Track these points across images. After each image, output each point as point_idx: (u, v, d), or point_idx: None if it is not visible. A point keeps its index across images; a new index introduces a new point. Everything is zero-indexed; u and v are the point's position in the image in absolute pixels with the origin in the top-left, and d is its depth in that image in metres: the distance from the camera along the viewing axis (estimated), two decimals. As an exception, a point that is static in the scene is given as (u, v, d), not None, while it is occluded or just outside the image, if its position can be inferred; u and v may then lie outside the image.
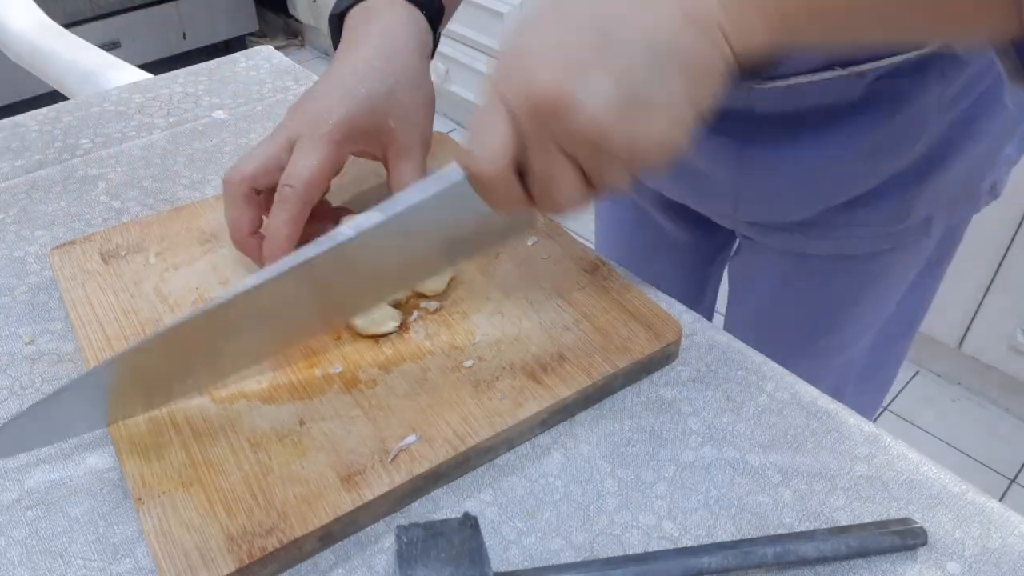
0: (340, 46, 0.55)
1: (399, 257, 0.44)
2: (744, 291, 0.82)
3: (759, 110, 0.60)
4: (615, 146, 0.37)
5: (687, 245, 0.85)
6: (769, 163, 0.63)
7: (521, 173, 0.39)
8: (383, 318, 0.50)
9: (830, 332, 0.75)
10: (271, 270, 0.41)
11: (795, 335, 0.76)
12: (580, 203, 0.41)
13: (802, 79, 0.55)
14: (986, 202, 0.68)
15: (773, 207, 0.67)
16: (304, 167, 0.49)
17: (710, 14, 0.37)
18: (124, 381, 0.43)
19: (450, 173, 0.40)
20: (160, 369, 0.44)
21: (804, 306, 0.76)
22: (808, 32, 0.39)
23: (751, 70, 0.39)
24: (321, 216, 0.52)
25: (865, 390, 0.81)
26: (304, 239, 0.46)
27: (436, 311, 0.52)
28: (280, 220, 0.49)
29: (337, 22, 0.57)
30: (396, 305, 0.52)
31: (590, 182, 0.39)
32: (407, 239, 0.43)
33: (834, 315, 0.74)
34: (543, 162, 0.38)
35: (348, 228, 0.41)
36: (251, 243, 0.52)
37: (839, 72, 0.55)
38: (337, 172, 0.52)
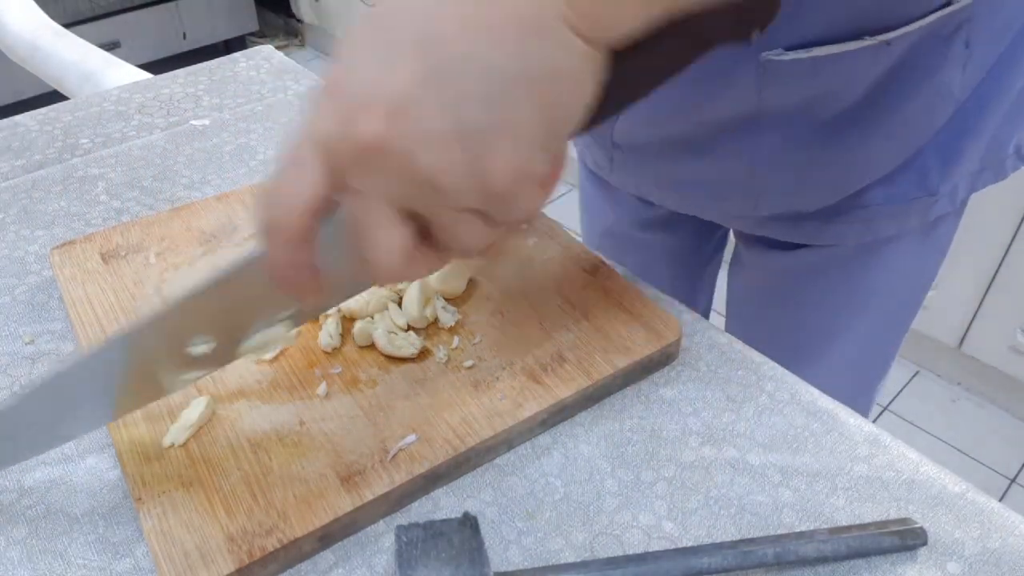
0: None
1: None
2: (744, 302, 0.81)
3: (768, 101, 0.57)
4: (453, 190, 0.31)
5: (678, 253, 0.85)
6: (788, 156, 0.61)
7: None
8: (404, 343, 0.49)
9: (835, 325, 0.75)
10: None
11: (799, 337, 0.76)
12: (417, 264, 0.34)
13: (826, 50, 0.53)
14: (1013, 167, 0.66)
15: (795, 197, 0.65)
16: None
17: (552, 13, 0.31)
18: (128, 365, 0.40)
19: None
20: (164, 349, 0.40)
21: (809, 306, 0.75)
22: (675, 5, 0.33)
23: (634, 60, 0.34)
24: None
25: (859, 383, 0.80)
26: None
27: (453, 327, 0.51)
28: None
29: None
30: (413, 327, 0.51)
31: (430, 239, 0.33)
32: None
33: (843, 310, 0.74)
34: (363, 212, 0.32)
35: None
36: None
37: (867, 41, 0.52)
38: None
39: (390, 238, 0.32)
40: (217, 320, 0.38)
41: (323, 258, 0.34)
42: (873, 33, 0.53)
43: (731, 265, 0.82)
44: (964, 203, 0.69)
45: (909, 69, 0.56)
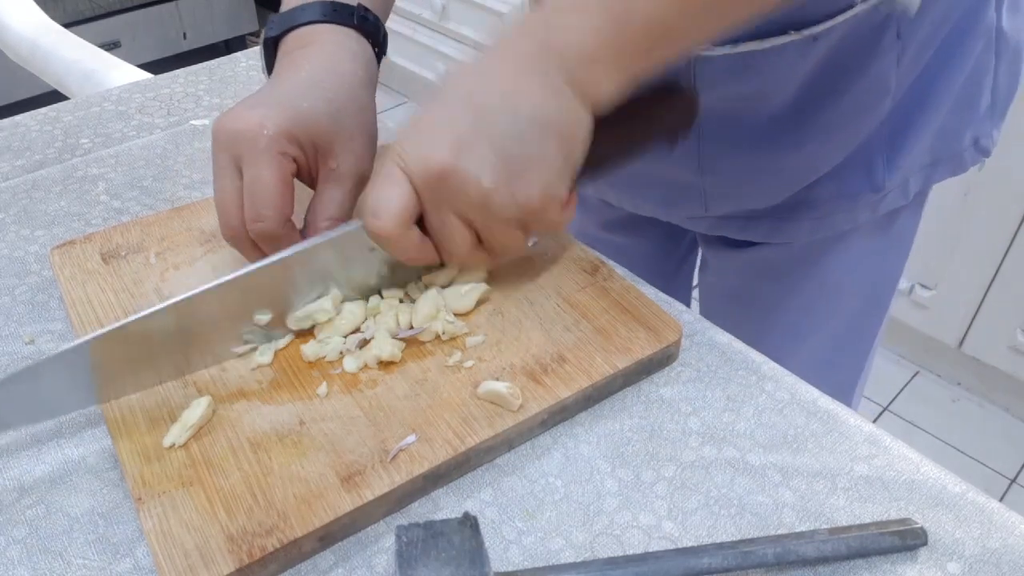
0: (276, 69, 0.53)
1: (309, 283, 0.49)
2: (714, 304, 0.81)
3: (707, 103, 0.58)
4: (498, 206, 0.44)
5: (648, 257, 0.85)
6: (730, 156, 0.62)
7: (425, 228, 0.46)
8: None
9: (802, 325, 0.75)
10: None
11: (769, 339, 0.76)
12: (477, 259, 0.47)
13: (754, 45, 0.55)
14: (973, 160, 0.67)
15: (743, 198, 0.66)
16: (262, 192, 0.47)
17: (562, 82, 0.44)
18: (110, 357, 0.44)
19: (350, 224, 0.49)
20: (149, 346, 0.45)
21: (776, 306, 0.75)
22: (649, 64, 0.45)
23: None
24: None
25: (835, 385, 0.80)
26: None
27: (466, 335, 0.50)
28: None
29: (272, 47, 0.54)
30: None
31: (483, 241, 0.46)
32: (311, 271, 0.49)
33: (809, 308, 0.74)
34: (438, 223, 0.45)
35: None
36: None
37: (793, 36, 0.54)
38: (291, 186, 0.49)
39: (459, 241, 0.46)
40: (272, 294, 0.48)
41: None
42: (799, 27, 0.54)
43: (700, 269, 0.83)
44: (922, 196, 0.69)
45: (840, 62, 0.57)
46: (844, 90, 0.58)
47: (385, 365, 0.48)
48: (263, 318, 0.49)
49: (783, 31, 0.54)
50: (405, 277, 0.53)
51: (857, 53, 0.56)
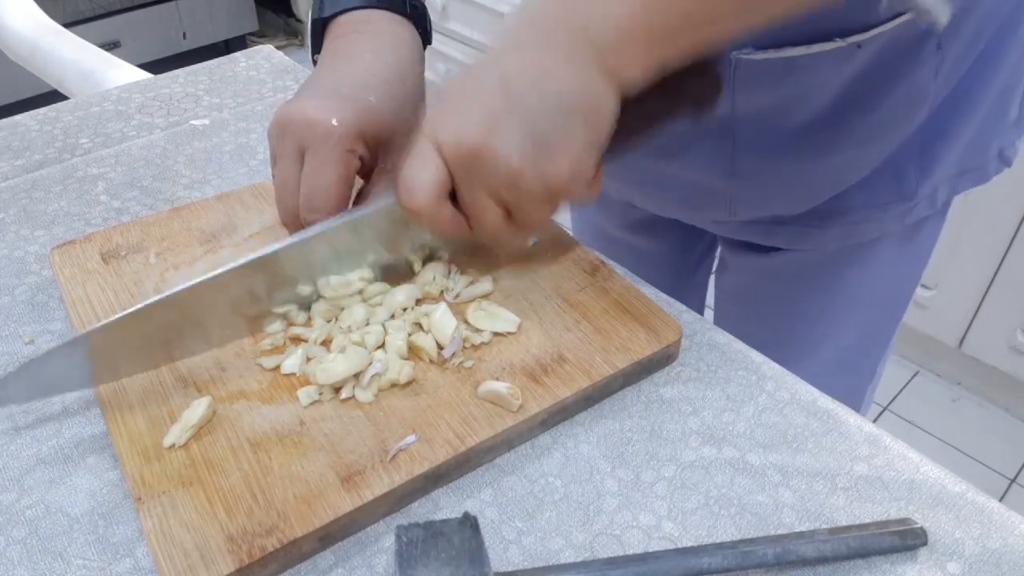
0: (327, 52, 0.53)
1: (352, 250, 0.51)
2: (730, 306, 0.81)
3: (743, 107, 0.58)
4: (528, 183, 0.44)
5: (667, 258, 0.85)
6: (762, 162, 0.62)
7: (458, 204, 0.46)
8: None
9: (817, 331, 0.75)
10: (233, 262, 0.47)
11: (784, 341, 0.76)
12: (508, 233, 0.47)
13: (798, 50, 0.54)
14: (996, 170, 0.66)
15: (771, 204, 0.66)
16: (323, 187, 0.48)
17: (591, 63, 0.44)
18: (109, 342, 0.45)
19: (386, 197, 0.49)
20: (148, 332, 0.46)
21: (793, 311, 0.75)
22: (679, 51, 0.45)
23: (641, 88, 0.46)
24: None
25: (846, 388, 0.80)
26: None
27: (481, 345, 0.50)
28: None
29: (320, 28, 0.54)
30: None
31: (513, 217, 0.46)
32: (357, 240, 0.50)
33: (827, 314, 0.74)
34: (470, 199, 0.46)
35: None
36: None
37: (838, 43, 0.53)
38: (351, 184, 0.50)
39: (490, 217, 0.46)
40: (310, 266, 0.50)
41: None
42: (843, 35, 0.53)
43: (717, 270, 0.82)
44: (947, 205, 0.68)
45: (880, 71, 0.56)
46: (881, 99, 0.57)
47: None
48: (306, 289, 0.50)
49: (827, 37, 0.53)
50: (434, 248, 0.54)
51: (897, 63, 0.55)
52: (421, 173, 0.45)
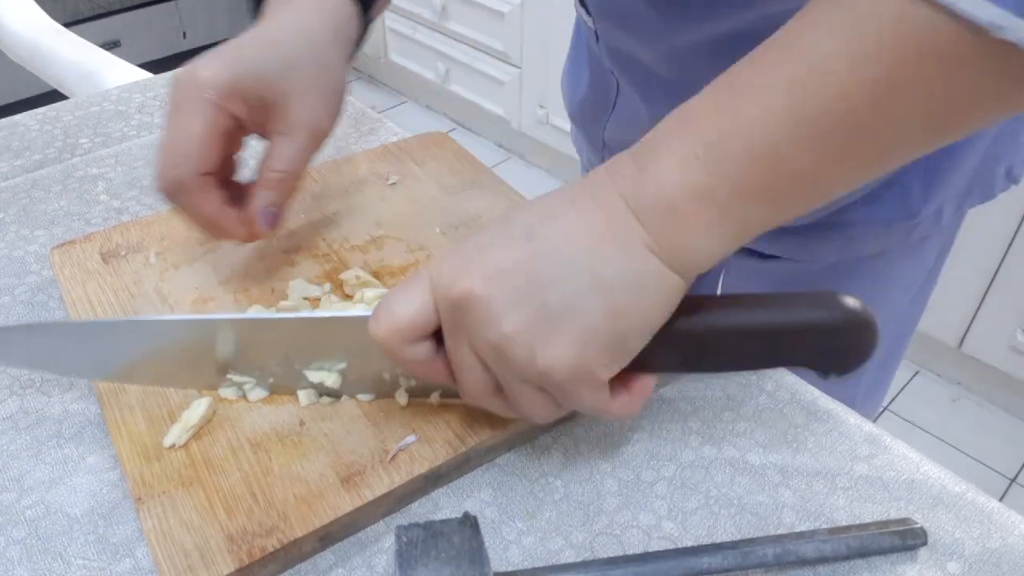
0: (261, 15, 0.52)
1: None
2: None
3: None
4: (515, 357, 0.36)
5: None
6: None
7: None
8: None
9: None
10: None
11: None
12: (492, 403, 0.40)
13: None
14: (1002, 188, 0.66)
15: None
16: (183, 139, 0.47)
17: (637, 238, 0.36)
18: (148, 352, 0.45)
19: (360, 310, 0.46)
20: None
21: None
22: (777, 209, 0.37)
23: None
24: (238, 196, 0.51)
25: (871, 394, 0.80)
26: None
27: None
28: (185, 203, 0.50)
29: None
30: None
31: (502, 389, 0.39)
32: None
33: None
34: (452, 348, 0.39)
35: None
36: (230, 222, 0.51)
37: None
38: (227, 137, 0.49)
39: (471, 379, 0.39)
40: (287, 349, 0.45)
41: None
42: None
43: (723, 273, 0.82)
44: (953, 224, 0.68)
45: None
46: None
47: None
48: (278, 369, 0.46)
49: None
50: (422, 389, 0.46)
51: None
52: (399, 304, 0.38)
